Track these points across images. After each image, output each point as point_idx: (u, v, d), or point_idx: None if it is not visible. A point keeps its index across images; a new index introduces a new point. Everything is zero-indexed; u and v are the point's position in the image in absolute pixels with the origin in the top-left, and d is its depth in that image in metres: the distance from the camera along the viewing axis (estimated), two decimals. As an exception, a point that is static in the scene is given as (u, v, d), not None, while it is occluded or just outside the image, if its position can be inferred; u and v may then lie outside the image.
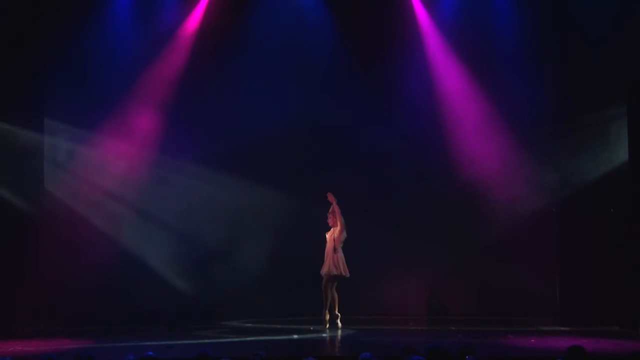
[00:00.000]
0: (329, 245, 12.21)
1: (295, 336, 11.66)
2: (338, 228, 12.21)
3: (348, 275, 12.19)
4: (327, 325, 12.20)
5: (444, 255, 14.19)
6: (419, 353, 6.34)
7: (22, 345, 10.70)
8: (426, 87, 14.08)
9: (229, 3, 14.10)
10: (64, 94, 13.34)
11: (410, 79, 14.02)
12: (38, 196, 13.36)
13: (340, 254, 12.19)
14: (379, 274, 14.31)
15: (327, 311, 12.25)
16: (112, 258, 13.45)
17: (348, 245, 13.09)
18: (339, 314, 12.29)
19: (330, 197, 12.27)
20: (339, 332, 12.02)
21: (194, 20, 14.02)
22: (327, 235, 12.30)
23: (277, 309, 14.17)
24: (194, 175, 14.08)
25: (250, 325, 13.34)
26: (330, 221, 12.29)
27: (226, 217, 14.29)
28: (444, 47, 14.11)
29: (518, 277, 13.54)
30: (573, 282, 12.79)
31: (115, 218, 13.73)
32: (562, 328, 12.39)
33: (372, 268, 14.28)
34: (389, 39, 14.22)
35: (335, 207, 12.24)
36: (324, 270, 12.19)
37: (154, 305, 13.34)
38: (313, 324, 12.65)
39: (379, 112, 14.33)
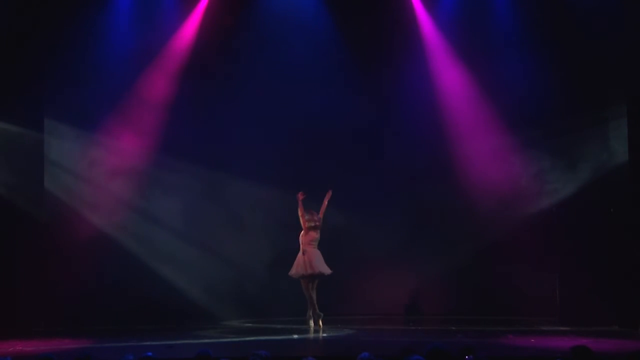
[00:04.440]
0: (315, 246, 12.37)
1: (295, 336, 11.66)
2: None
3: None
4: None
5: (444, 255, 14.18)
6: (419, 353, 6.34)
7: (22, 345, 10.68)
8: (425, 86, 14.08)
9: (229, 4, 14.10)
10: (64, 93, 13.34)
11: (409, 78, 14.02)
12: (38, 196, 13.37)
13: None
14: (377, 274, 14.29)
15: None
16: (113, 258, 13.46)
17: (348, 245, 13.11)
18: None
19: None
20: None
21: (194, 19, 14.02)
22: (309, 238, 12.41)
23: (277, 309, 14.17)
24: (194, 175, 14.08)
25: (250, 325, 13.33)
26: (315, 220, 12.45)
27: (226, 217, 14.29)
28: (444, 45, 14.10)
29: (518, 277, 13.55)
30: (573, 282, 12.78)
31: (116, 218, 13.72)
32: (562, 328, 12.38)
33: (372, 268, 14.29)
34: (389, 38, 14.24)
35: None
36: (326, 270, 12.32)
37: (154, 305, 13.34)
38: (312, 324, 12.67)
39: (378, 112, 14.36)
